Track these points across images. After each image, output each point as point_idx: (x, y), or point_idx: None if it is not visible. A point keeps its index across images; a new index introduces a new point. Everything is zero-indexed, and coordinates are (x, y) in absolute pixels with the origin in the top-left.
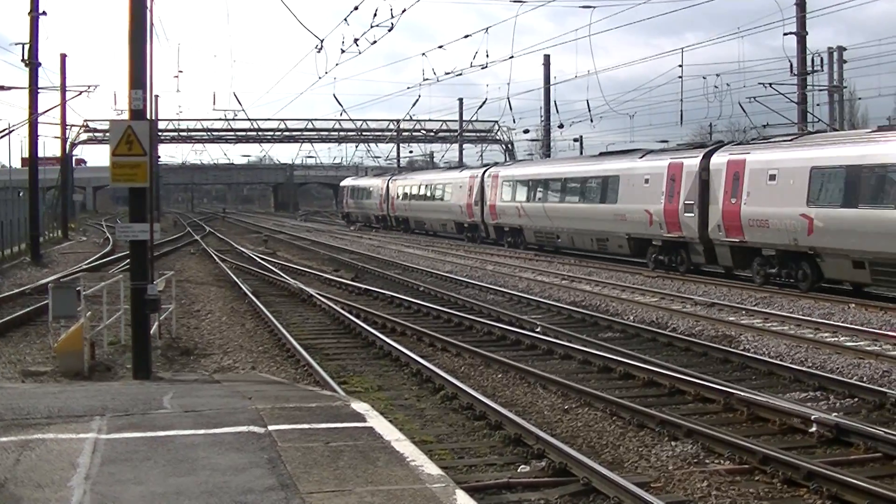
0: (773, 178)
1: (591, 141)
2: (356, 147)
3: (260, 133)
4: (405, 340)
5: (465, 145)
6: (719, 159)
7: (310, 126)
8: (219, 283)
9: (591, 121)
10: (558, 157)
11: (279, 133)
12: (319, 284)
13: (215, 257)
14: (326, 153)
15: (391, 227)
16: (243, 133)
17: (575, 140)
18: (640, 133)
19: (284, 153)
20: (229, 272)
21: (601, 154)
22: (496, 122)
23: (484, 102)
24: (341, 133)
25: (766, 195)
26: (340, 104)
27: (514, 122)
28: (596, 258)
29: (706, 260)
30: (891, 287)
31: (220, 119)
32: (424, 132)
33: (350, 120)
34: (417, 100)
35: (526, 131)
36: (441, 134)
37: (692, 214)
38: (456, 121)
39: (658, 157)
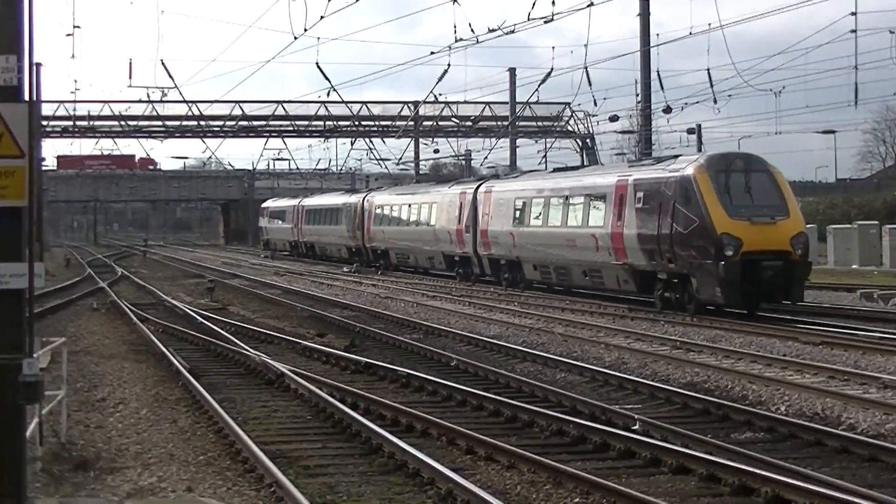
0: (500, 204)
1: (713, 132)
2: (352, 143)
3: (203, 123)
4: (429, 444)
5: (519, 140)
6: (480, 192)
7: (280, 112)
8: (137, 355)
9: (715, 101)
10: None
11: (232, 123)
12: (295, 357)
13: (132, 315)
14: (306, 153)
15: (368, 262)
16: (176, 123)
17: (690, 132)
18: (792, 118)
19: (241, 154)
20: (153, 338)
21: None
22: (567, 104)
23: (548, 75)
24: (329, 123)
25: (498, 218)
26: (327, 78)
27: (594, 104)
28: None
29: (481, 272)
30: (562, 281)
31: (141, 101)
32: (457, 121)
33: (342, 102)
34: (445, 72)
35: (613, 118)
36: (483, 123)
37: (469, 234)
38: (505, 103)
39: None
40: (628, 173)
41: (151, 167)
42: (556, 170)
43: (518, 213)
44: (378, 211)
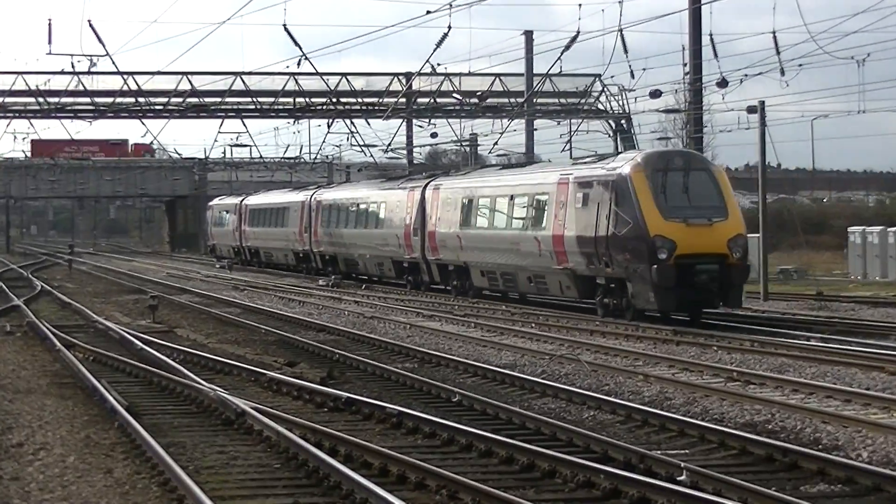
0: (448, 204)
1: (779, 111)
2: (328, 126)
3: (142, 101)
4: (426, 499)
5: (537, 122)
6: (428, 189)
7: (238, 87)
8: (61, 389)
9: (782, 73)
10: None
11: (179, 100)
12: (259, 391)
13: (54, 339)
14: (271, 138)
15: (317, 269)
16: (108, 100)
17: (751, 110)
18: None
19: (190, 139)
20: (82, 368)
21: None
22: (597, 76)
23: (573, 40)
24: (300, 100)
25: (445, 219)
26: (297, 44)
27: (631, 76)
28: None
29: (430, 279)
30: (509, 288)
31: (64, 73)
32: (459, 97)
33: (316, 74)
34: (445, 36)
35: (655, 94)
36: (491, 101)
37: (417, 237)
38: (519, 75)
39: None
40: (570, 171)
41: (148, 153)
42: (504, 167)
43: (465, 213)
44: (325, 211)
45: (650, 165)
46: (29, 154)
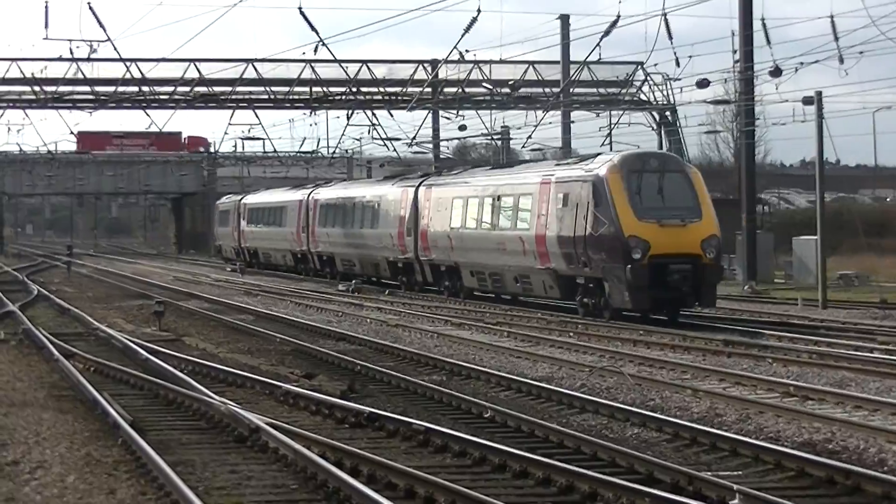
0: (439, 204)
1: (838, 102)
2: (348, 117)
3: (146, 90)
4: None
5: (575, 113)
6: (421, 188)
7: (250, 75)
8: (60, 402)
9: (841, 61)
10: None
11: (186, 89)
12: (274, 406)
13: (52, 348)
14: (286, 131)
15: (315, 270)
16: (110, 89)
17: (807, 101)
18: None
19: (197, 131)
20: (82, 379)
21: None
22: (639, 64)
23: (613, 24)
24: (317, 89)
25: (436, 219)
26: (314, 29)
27: (676, 65)
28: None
29: (423, 280)
30: (497, 289)
31: (62, 59)
32: (490, 87)
33: (335, 62)
34: (474, 20)
35: (703, 84)
36: (525, 90)
37: (410, 237)
38: (554, 63)
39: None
40: (552, 172)
41: (203, 149)
42: (493, 166)
43: (455, 213)
44: (323, 210)
45: (626, 167)
46: (75, 147)
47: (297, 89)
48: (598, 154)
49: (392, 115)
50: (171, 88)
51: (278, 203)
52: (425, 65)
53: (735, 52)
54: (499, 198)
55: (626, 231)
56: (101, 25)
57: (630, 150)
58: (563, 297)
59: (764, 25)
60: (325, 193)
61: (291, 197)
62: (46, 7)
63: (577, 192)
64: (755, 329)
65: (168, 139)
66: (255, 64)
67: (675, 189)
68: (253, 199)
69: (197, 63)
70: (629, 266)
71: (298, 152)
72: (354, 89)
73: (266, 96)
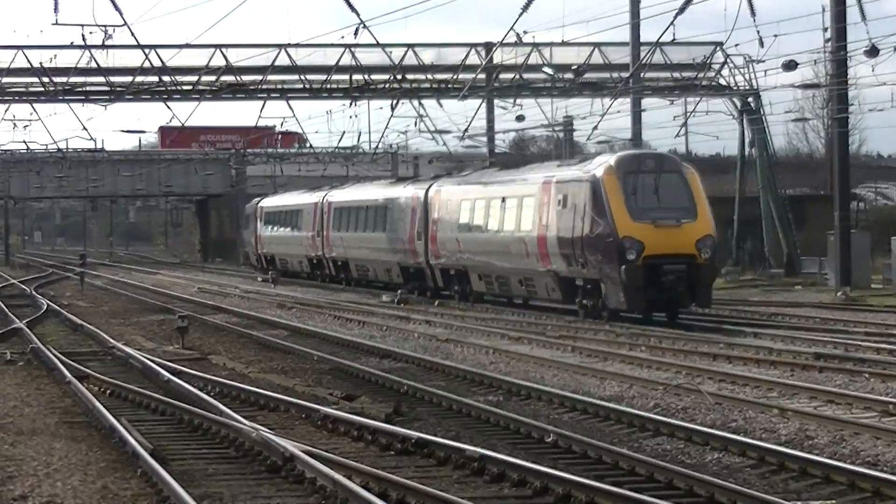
0: (448, 207)
1: None
2: (392, 108)
3: (167, 80)
4: None
5: (646, 101)
6: (431, 191)
7: (283, 62)
8: (73, 430)
9: None
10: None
11: (212, 79)
12: (311, 431)
13: (64, 370)
14: (323, 124)
15: (331, 276)
16: (127, 79)
17: None
18: None
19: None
20: (97, 404)
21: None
22: (718, 45)
23: (689, 1)
24: (357, 77)
25: (445, 222)
26: (354, 10)
27: (760, 45)
28: None
29: (434, 285)
30: (504, 292)
31: (73, 46)
32: (550, 71)
33: (378, 46)
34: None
35: (790, 66)
36: (590, 76)
37: (421, 241)
38: (622, 45)
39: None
40: (553, 174)
41: (298, 143)
42: (499, 168)
43: (463, 216)
44: (337, 213)
45: (622, 168)
46: (158, 144)
47: (335, 77)
48: (599, 154)
49: (441, 105)
50: (194, 78)
51: (293, 206)
52: (478, 48)
53: (826, 30)
54: (503, 199)
55: (621, 232)
56: (117, 8)
57: (627, 151)
58: (564, 299)
59: (859, 0)
60: (339, 196)
61: (307, 199)
62: None
63: (575, 193)
64: (849, 340)
65: (259, 134)
66: (289, 50)
67: (670, 189)
68: (269, 202)
69: (223, 49)
70: (624, 267)
71: (337, 148)
72: (399, 76)
73: (301, 85)
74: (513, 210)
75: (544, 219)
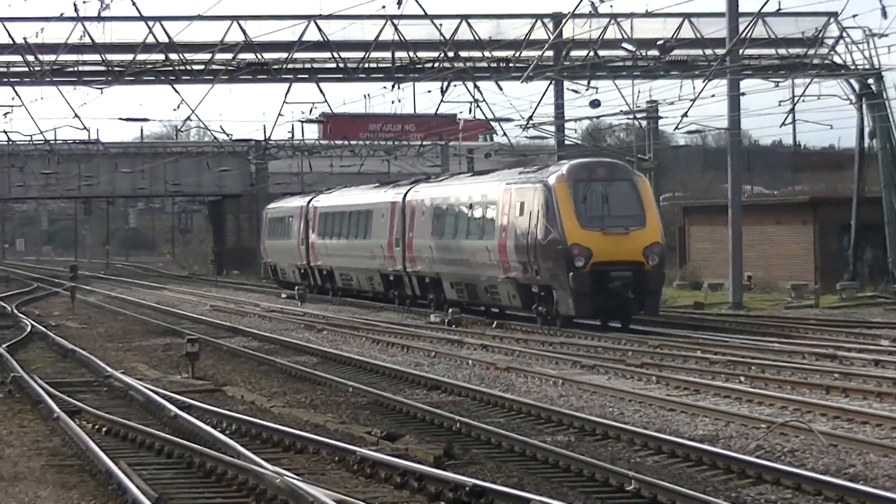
0: (422, 212)
1: None
2: (442, 92)
3: (175, 59)
4: None
5: (745, 83)
6: (409, 195)
7: (312, 36)
8: (62, 475)
9: None
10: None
11: (227, 57)
12: (344, 477)
13: (52, 402)
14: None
15: (317, 287)
16: (128, 58)
17: None
18: None
19: (245, 113)
20: (91, 443)
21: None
22: (832, 16)
23: None
24: (401, 55)
25: (419, 228)
26: None
27: (882, 15)
28: None
29: (412, 292)
30: (473, 301)
31: (62, 19)
32: (631, 48)
33: (425, 18)
34: None
35: None
36: (678, 53)
37: (399, 248)
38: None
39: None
40: (513, 180)
41: (485, 132)
42: (474, 173)
43: (435, 222)
44: (321, 219)
45: (573, 176)
46: (319, 136)
47: (374, 55)
48: (562, 162)
49: (501, 88)
50: (207, 56)
51: (288, 211)
52: (545, 20)
53: None
54: (471, 206)
55: (570, 239)
56: None
57: (579, 160)
58: (522, 306)
59: None
60: (324, 201)
61: (295, 204)
62: None
63: (530, 200)
64: None
65: (439, 123)
66: (319, 22)
67: (620, 198)
68: (274, 206)
69: (241, 22)
70: (572, 273)
71: (375, 144)
72: (451, 54)
73: (333, 65)
74: (478, 217)
75: (504, 226)
